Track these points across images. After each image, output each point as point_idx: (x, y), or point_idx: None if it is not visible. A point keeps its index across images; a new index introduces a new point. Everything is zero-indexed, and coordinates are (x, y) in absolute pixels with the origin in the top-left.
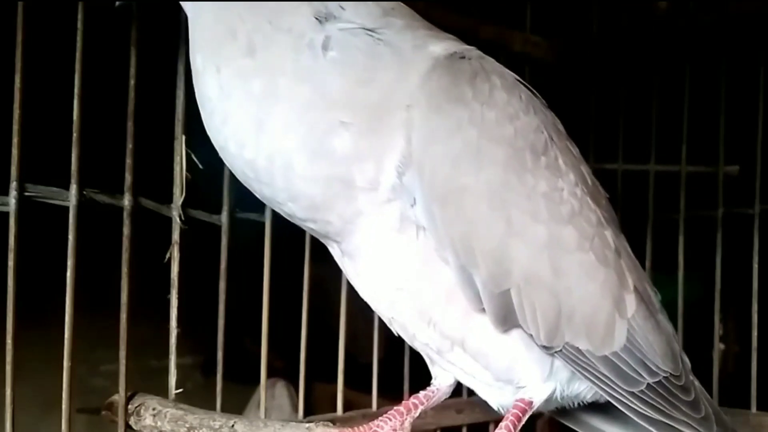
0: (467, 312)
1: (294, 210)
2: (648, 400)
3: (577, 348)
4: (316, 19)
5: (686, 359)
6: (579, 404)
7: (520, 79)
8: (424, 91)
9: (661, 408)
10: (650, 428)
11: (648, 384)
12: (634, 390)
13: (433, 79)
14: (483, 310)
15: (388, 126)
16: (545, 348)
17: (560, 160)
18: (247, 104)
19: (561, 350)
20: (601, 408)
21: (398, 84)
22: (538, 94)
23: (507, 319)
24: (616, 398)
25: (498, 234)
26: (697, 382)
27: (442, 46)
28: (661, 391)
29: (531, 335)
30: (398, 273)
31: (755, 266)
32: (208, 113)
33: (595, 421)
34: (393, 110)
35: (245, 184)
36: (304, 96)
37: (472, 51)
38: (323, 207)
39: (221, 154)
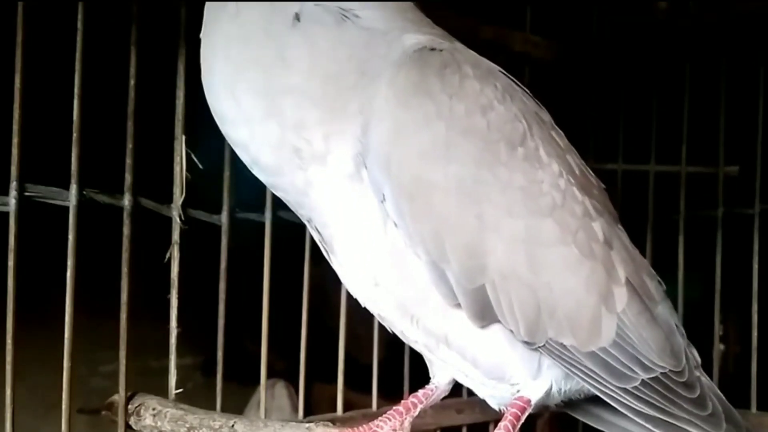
0: (444, 308)
1: (258, 174)
2: (643, 396)
3: (562, 344)
4: None
5: (694, 354)
6: (585, 397)
7: (505, 72)
8: (392, 86)
9: (659, 405)
10: (648, 425)
11: (643, 380)
12: (627, 386)
13: (400, 73)
14: (459, 305)
15: (343, 107)
16: (528, 343)
17: (541, 151)
18: (225, 65)
19: (545, 346)
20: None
21: (359, 71)
22: (519, 83)
23: (485, 315)
24: (608, 395)
25: (470, 229)
26: (705, 379)
27: (416, 38)
28: (658, 388)
29: (512, 331)
30: (374, 268)
31: (755, 266)
32: (202, 72)
33: (607, 414)
34: (350, 93)
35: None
36: (268, 59)
37: (444, 43)
38: (276, 171)
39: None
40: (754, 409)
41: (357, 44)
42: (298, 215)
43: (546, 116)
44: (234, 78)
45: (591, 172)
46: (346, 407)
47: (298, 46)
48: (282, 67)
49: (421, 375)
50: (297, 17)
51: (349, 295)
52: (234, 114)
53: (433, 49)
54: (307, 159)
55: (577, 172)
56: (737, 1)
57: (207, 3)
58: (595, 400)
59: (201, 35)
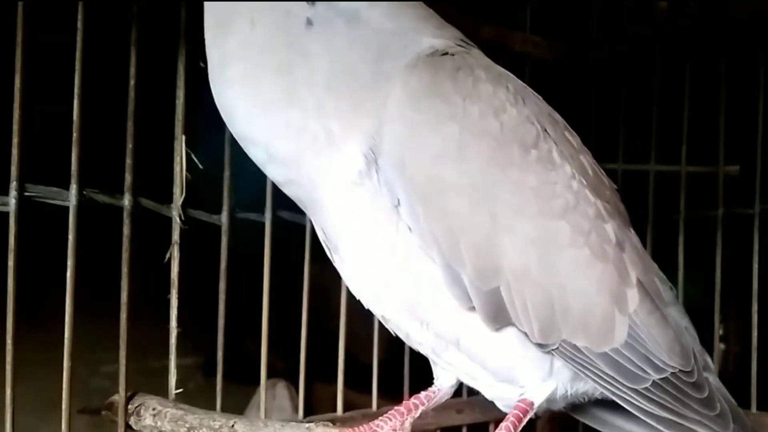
0: (458, 311)
1: (273, 171)
2: (654, 398)
3: (575, 345)
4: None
5: (707, 360)
6: (589, 400)
7: (513, 75)
8: (405, 88)
9: (669, 406)
10: (659, 426)
11: (654, 381)
12: (638, 387)
13: (413, 76)
14: (473, 308)
15: (360, 102)
16: (541, 346)
17: (554, 152)
18: (243, 68)
19: (558, 348)
20: (614, 403)
21: (374, 69)
22: (529, 88)
23: (498, 317)
24: (620, 396)
25: (484, 230)
26: (713, 378)
27: (430, 41)
28: (668, 388)
29: (525, 333)
30: (383, 269)
31: (755, 266)
32: (213, 79)
33: (609, 416)
34: (366, 90)
35: (243, 147)
36: (289, 60)
37: (458, 47)
38: (295, 160)
39: (224, 119)
40: (754, 409)
41: (370, 44)
42: (307, 213)
43: (558, 117)
44: (254, 77)
45: (603, 172)
46: (348, 407)
47: (315, 47)
48: (302, 64)
49: (421, 375)
50: (309, 21)
51: (349, 294)
52: (251, 107)
53: (446, 53)
54: (322, 144)
55: (590, 172)
56: (737, 2)
57: (206, 5)
58: (598, 402)
59: (208, 43)
